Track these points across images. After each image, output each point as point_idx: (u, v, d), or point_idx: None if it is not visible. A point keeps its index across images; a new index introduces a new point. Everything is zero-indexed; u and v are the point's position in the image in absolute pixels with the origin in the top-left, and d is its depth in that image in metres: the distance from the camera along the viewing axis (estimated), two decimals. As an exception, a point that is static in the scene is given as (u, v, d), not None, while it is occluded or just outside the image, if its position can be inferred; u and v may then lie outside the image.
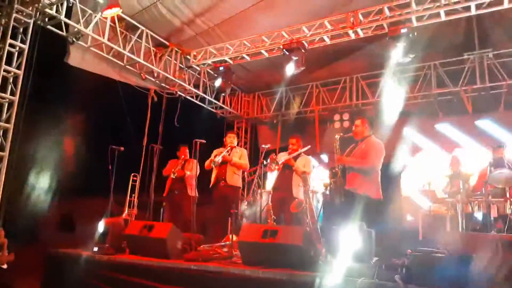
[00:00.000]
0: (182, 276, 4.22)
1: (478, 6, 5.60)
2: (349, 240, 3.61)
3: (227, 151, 5.84)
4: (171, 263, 4.41)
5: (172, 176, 6.15)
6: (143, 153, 6.99)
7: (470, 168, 6.49)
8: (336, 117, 9.03)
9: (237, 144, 6.20)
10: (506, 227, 4.92)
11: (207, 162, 5.94)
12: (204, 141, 5.44)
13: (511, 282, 2.84)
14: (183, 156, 6.44)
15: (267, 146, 5.16)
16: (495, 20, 7.01)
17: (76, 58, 6.55)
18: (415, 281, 3.17)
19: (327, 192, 4.46)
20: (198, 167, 6.11)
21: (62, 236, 5.70)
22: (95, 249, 5.02)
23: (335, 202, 4.44)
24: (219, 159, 5.72)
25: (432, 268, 3.18)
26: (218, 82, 7.55)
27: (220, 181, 5.80)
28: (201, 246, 5.03)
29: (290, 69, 6.41)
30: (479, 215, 5.58)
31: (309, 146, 5.70)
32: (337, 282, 3.35)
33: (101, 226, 5.19)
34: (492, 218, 5.46)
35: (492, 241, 3.31)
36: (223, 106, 9.51)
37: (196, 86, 8.85)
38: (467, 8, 5.61)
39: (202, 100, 9.31)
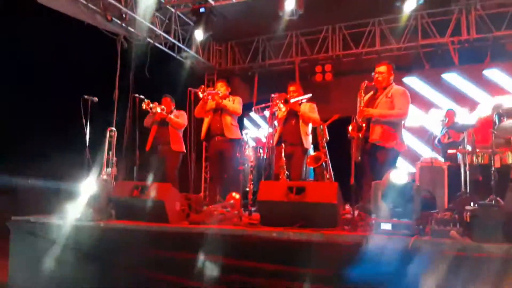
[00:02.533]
0: (194, 242, 3.69)
1: None
2: (392, 196, 3.25)
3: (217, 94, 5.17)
4: (179, 228, 3.85)
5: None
6: (115, 105, 6.12)
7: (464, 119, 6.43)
8: (318, 68, 8.58)
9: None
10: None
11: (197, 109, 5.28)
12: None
13: None
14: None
15: (275, 95, 4.58)
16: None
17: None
18: (473, 237, 2.91)
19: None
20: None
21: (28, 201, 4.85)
22: (77, 215, 4.31)
23: (359, 157, 4.04)
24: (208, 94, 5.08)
25: (491, 222, 2.93)
26: (198, 26, 6.70)
27: (215, 135, 5.17)
28: (203, 207, 4.51)
29: (287, 12, 5.73)
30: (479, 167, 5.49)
31: (311, 94, 5.17)
32: (387, 241, 3.01)
33: (82, 189, 4.44)
34: (493, 169, 5.39)
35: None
36: (196, 55, 8.66)
37: (166, 32, 7.93)
38: None
39: (171, 48, 8.43)
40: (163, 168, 5.54)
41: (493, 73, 7.48)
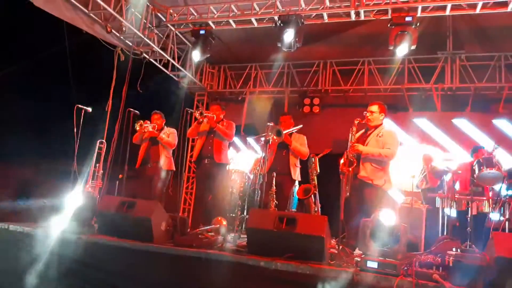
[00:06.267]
0: (178, 264, 3.68)
1: (484, 5, 5.59)
2: (381, 233, 3.35)
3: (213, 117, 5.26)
4: (163, 248, 3.82)
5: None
6: (107, 117, 6.09)
7: (441, 164, 6.65)
8: (306, 101, 8.78)
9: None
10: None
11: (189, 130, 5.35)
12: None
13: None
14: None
15: (271, 124, 4.67)
16: (469, 24, 7.16)
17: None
18: (454, 281, 3.02)
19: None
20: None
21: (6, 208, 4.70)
22: (61, 227, 4.22)
23: (347, 193, 4.14)
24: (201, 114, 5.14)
25: (473, 269, 3.05)
26: (196, 47, 6.80)
27: (205, 158, 5.22)
28: (187, 229, 4.49)
29: (286, 44, 5.89)
30: (456, 213, 5.68)
31: (301, 126, 5.28)
32: (372, 279, 3.09)
33: (67, 199, 4.37)
34: (470, 216, 5.58)
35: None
36: (189, 75, 8.72)
37: (162, 49, 8.00)
38: (473, 6, 5.60)
39: (165, 65, 8.48)
40: (150, 186, 5.50)
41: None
